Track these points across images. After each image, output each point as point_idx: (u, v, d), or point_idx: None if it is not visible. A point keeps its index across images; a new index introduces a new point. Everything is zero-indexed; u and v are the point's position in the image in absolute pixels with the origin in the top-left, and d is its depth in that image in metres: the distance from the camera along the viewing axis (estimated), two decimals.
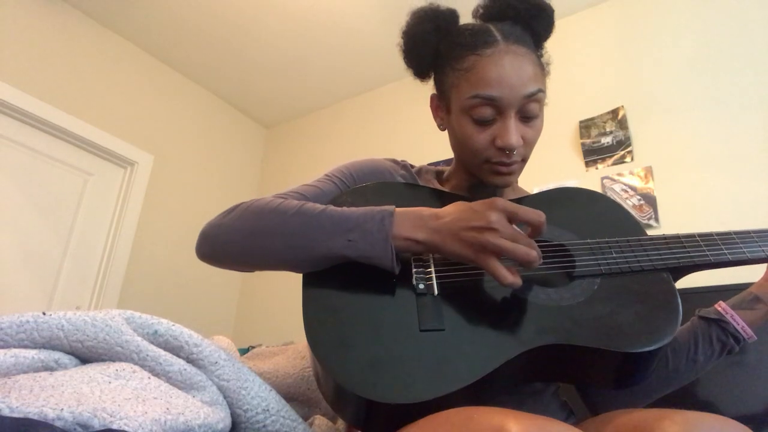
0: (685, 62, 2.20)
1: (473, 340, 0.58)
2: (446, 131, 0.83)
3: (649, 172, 2.12)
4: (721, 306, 0.74)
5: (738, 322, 0.71)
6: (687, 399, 1.26)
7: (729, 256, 0.67)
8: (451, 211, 0.64)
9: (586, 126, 2.32)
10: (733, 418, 0.51)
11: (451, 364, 0.55)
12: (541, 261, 0.61)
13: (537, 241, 0.64)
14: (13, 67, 2.35)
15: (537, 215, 0.61)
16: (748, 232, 0.69)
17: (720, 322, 0.72)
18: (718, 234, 0.69)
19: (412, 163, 0.88)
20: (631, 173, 2.16)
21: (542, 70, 0.75)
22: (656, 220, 2.04)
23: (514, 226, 0.62)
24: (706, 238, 0.69)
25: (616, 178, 2.18)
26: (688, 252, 0.67)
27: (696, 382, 1.29)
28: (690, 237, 0.69)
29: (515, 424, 0.42)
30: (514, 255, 0.59)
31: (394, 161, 0.86)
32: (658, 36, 2.30)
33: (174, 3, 2.61)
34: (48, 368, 0.53)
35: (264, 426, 0.60)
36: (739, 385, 1.24)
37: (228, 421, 0.57)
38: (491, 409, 0.46)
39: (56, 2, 2.57)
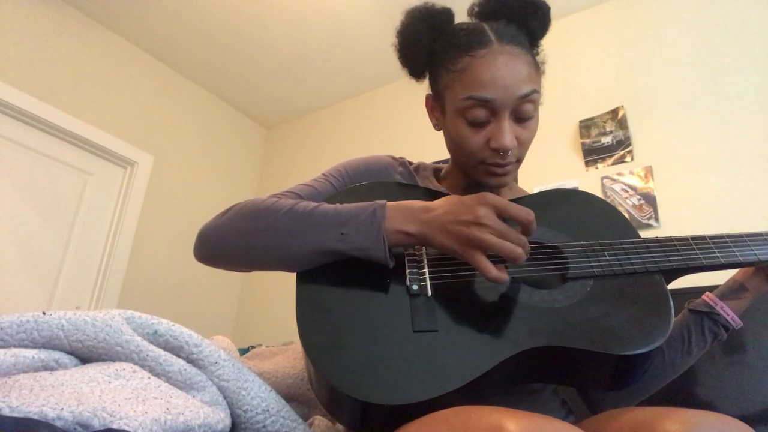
0: (685, 62, 2.20)
1: (466, 342, 0.58)
2: (442, 131, 0.83)
3: (649, 171, 2.12)
4: (710, 298, 0.74)
5: (728, 312, 0.72)
6: (687, 398, 1.26)
7: (721, 260, 0.67)
8: (442, 203, 0.64)
9: (586, 126, 2.32)
10: (733, 417, 0.51)
11: (445, 365, 0.55)
12: (526, 257, 0.60)
13: (531, 244, 0.64)
14: (13, 67, 2.35)
15: (525, 212, 0.61)
16: (741, 235, 0.69)
17: (711, 315, 0.73)
18: (711, 237, 0.69)
19: (410, 160, 0.88)
20: (631, 173, 2.16)
21: (537, 69, 0.75)
22: (656, 219, 2.04)
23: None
24: (699, 241, 0.69)
25: (616, 177, 2.18)
26: (681, 255, 0.67)
27: (696, 381, 1.29)
28: (683, 240, 0.69)
29: (513, 422, 0.42)
30: (500, 250, 0.59)
31: (393, 158, 0.86)
32: (658, 36, 2.30)
33: (174, 3, 2.61)
34: (48, 368, 0.53)
35: (264, 426, 0.60)
36: (739, 384, 1.24)
37: (228, 422, 0.57)
38: (489, 408, 0.46)
39: (56, 2, 2.57)
